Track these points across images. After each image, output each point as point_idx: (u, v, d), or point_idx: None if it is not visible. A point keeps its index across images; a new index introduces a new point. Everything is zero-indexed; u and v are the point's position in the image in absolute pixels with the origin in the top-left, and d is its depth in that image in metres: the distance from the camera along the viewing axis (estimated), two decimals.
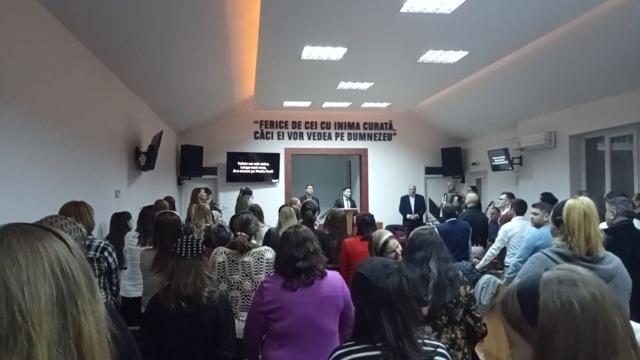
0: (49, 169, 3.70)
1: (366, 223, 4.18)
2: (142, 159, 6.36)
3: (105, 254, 3.05)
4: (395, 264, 1.65)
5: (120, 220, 4.69)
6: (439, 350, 1.55)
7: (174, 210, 5.39)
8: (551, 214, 2.32)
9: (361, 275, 1.61)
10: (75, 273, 0.71)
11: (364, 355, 1.50)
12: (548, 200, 5.52)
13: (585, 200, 2.12)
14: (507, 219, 5.82)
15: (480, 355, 4.46)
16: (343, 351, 1.55)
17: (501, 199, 6.98)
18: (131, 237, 4.13)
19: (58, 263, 0.69)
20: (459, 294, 2.60)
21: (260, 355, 2.44)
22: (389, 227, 8.43)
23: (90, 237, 3.06)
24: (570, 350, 0.92)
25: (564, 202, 2.20)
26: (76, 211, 2.93)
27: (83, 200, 3.27)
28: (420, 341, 1.53)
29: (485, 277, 5.03)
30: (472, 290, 2.69)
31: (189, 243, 2.44)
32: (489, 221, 7.15)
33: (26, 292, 0.64)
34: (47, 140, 3.67)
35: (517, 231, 5.21)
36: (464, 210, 7.44)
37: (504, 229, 5.35)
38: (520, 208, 5.46)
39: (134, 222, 4.76)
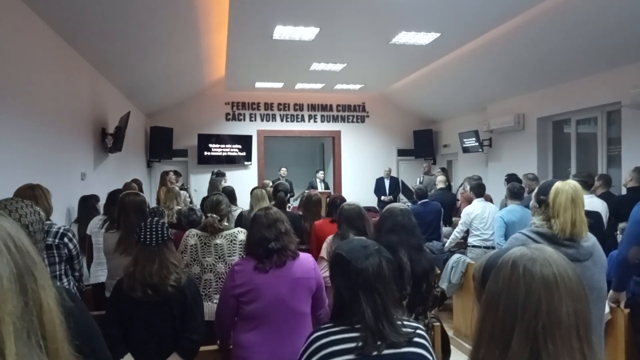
0: (10, 151, 3.55)
1: (335, 206, 4.15)
2: (109, 141, 6.17)
3: (65, 239, 2.93)
4: (375, 245, 1.61)
5: (88, 203, 4.56)
6: (418, 332, 1.54)
7: (142, 193, 5.26)
8: (535, 191, 2.31)
9: (340, 256, 1.57)
10: (29, 248, 0.70)
11: (343, 337, 1.48)
12: (514, 180, 5.65)
13: (573, 184, 2.11)
14: (467, 200, 5.95)
15: (450, 333, 4.58)
16: (321, 333, 1.52)
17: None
18: (96, 221, 4.02)
19: (11, 240, 0.68)
20: (431, 282, 2.60)
21: (232, 338, 2.43)
22: None
23: (48, 222, 2.94)
24: (506, 322, 0.94)
25: (550, 182, 2.19)
26: (31, 195, 2.78)
27: (47, 183, 3.15)
28: (399, 322, 1.51)
29: (455, 256, 5.13)
30: (438, 271, 2.71)
31: (153, 229, 2.36)
32: (459, 202, 7.29)
33: None
34: (7, 122, 3.50)
35: (478, 213, 5.34)
36: (432, 191, 7.57)
37: (466, 211, 5.47)
38: (479, 190, 5.58)
39: (102, 206, 4.64)
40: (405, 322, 1.55)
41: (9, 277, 0.65)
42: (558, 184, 2.12)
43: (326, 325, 1.56)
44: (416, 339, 1.51)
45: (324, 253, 3.24)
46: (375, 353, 1.44)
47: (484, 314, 0.99)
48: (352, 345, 1.45)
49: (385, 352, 1.45)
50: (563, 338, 0.90)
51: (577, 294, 0.94)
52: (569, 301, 0.92)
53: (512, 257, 0.99)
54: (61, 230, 2.94)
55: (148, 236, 2.33)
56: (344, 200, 4.33)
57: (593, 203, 4.27)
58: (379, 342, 1.45)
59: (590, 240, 2.10)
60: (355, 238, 1.80)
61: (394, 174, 10.76)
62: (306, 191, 5.92)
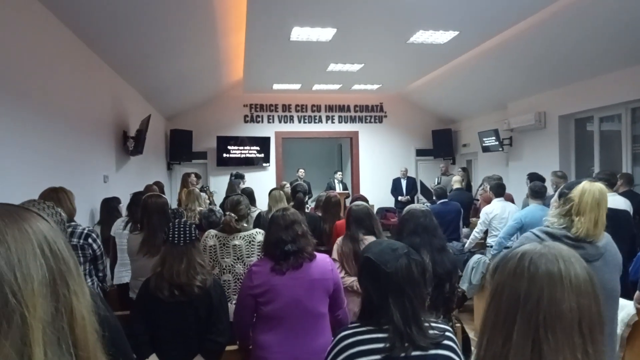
0: (35, 154, 3.64)
1: None
2: (130, 144, 6.28)
3: (90, 240, 3.00)
4: (404, 248, 1.60)
5: (110, 205, 4.65)
6: (446, 334, 1.52)
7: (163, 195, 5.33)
8: (560, 188, 2.30)
9: (369, 260, 1.57)
10: (64, 253, 0.70)
11: (370, 337, 1.48)
12: (536, 179, 5.55)
13: (599, 186, 2.11)
14: (487, 200, 5.88)
15: (471, 334, 4.53)
16: (348, 332, 1.53)
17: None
18: (119, 223, 4.09)
19: (46, 243, 0.67)
20: (454, 283, 2.58)
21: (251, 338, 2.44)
22: (380, 210, 8.47)
23: (72, 223, 3.01)
24: (509, 311, 0.96)
25: (578, 181, 2.18)
26: (55, 197, 2.86)
27: (71, 185, 3.23)
28: (427, 325, 1.51)
29: (476, 257, 5.07)
30: (460, 273, 2.69)
31: (182, 228, 2.39)
32: (479, 202, 7.22)
33: (18, 274, 0.62)
34: (32, 126, 3.59)
35: (497, 212, 5.28)
36: (449, 192, 7.51)
37: (485, 211, 5.42)
38: (498, 190, 5.50)
39: (124, 208, 4.73)
40: (434, 325, 1.54)
41: (41, 280, 0.64)
42: (586, 184, 2.11)
43: (353, 325, 1.56)
44: (445, 342, 1.50)
45: (335, 254, 3.23)
46: (403, 355, 1.44)
47: (489, 303, 1.01)
48: (380, 345, 1.45)
49: (414, 353, 1.45)
50: (564, 331, 0.91)
51: (584, 291, 0.94)
52: (573, 297, 0.92)
53: (522, 250, 1.01)
54: (85, 231, 3.01)
55: (176, 236, 2.36)
56: (367, 200, 4.34)
57: (616, 201, 4.17)
58: (406, 344, 1.44)
59: (603, 240, 2.08)
60: (385, 240, 1.79)
61: (412, 174, 10.70)
62: (322, 193, 5.93)
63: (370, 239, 3.04)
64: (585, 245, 2.02)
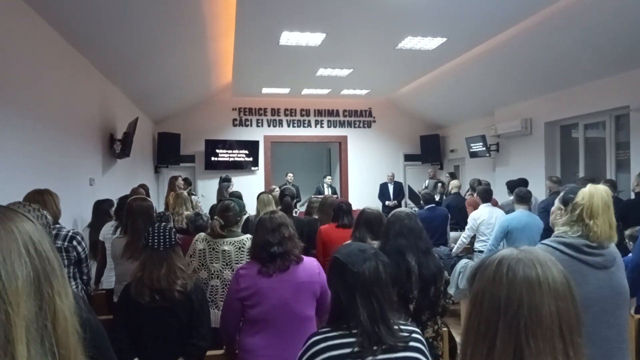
0: (20, 156, 3.59)
1: (342, 211, 4.14)
2: (117, 147, 6.22)
3: (74, 242, 2.96)
4: (372, 249, 1.63)
5: (102, 208, 4.57)
6: (414, 335, 1.55)
7: (149, 198, 5.28)
8: (561, 194, 2.22)
9: (337, 260, 1.60)
10: (49, 254, 0.71)
11: (340, 342, 1.49)
12: (514, 187, 5.60)
13: (605, 189, 2.03)
14: (473, 205, 5.92)
15: (458, 339, 4.54)
16: (319, 337, 1.54)
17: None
18: (108, 227, 4.04)
19: (32, 243, 0.68)
20: (439, 287, 2.58)
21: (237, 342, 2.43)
22: None
23: (57, 225, 2.97)
24: (490, 319, 0.95)
25: (578, 186, 2.10)
26: (40, 200, 2.83)
27: (56, 188, 3.18)
28: (396, 327, 1.53)
29: (463, 261, 5.10)
30: (447, 277, 2.69)
31: (161, 233, 2.37)
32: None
33: (2, 272, 0.62)
34: (18, 128, 3.55)
35: (485, 218, 5.33)
36: (445, 196, 7.57)
37: (473, 217, 5.46)
38: (485, 195, 5.55)
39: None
40: (402, 326, 1.56)
41: (25, 279, 0.65)
42: (591, 187, 2.03)
43: (324, 330, 1.57)
44: (412, 343, 1.52)
45: None
46: (370, 358, 1.45)
47: (470, 311, 1.00)
48: (350, 350, 1.47)
49: (381, 357, 1.46)
50: (545, 336, 0.91)
51: (562, 295, 0.94)
52: (552, 301, 0.92)
53: (499, 257, 1.00)
54: (70, 234, 2.97)
55: (156, 241, 2.34)
56: (350, 205, 4.33)
57: None
58: (375, 347, 1.46)
59: (611, 244, 2.04)
60: (354, 242, 1.81)
61: (400, 179, 10.75)
62: (313, 197, 5.93)
63: (377, 244, 3.03)
64: (604, 252, 1.94)
